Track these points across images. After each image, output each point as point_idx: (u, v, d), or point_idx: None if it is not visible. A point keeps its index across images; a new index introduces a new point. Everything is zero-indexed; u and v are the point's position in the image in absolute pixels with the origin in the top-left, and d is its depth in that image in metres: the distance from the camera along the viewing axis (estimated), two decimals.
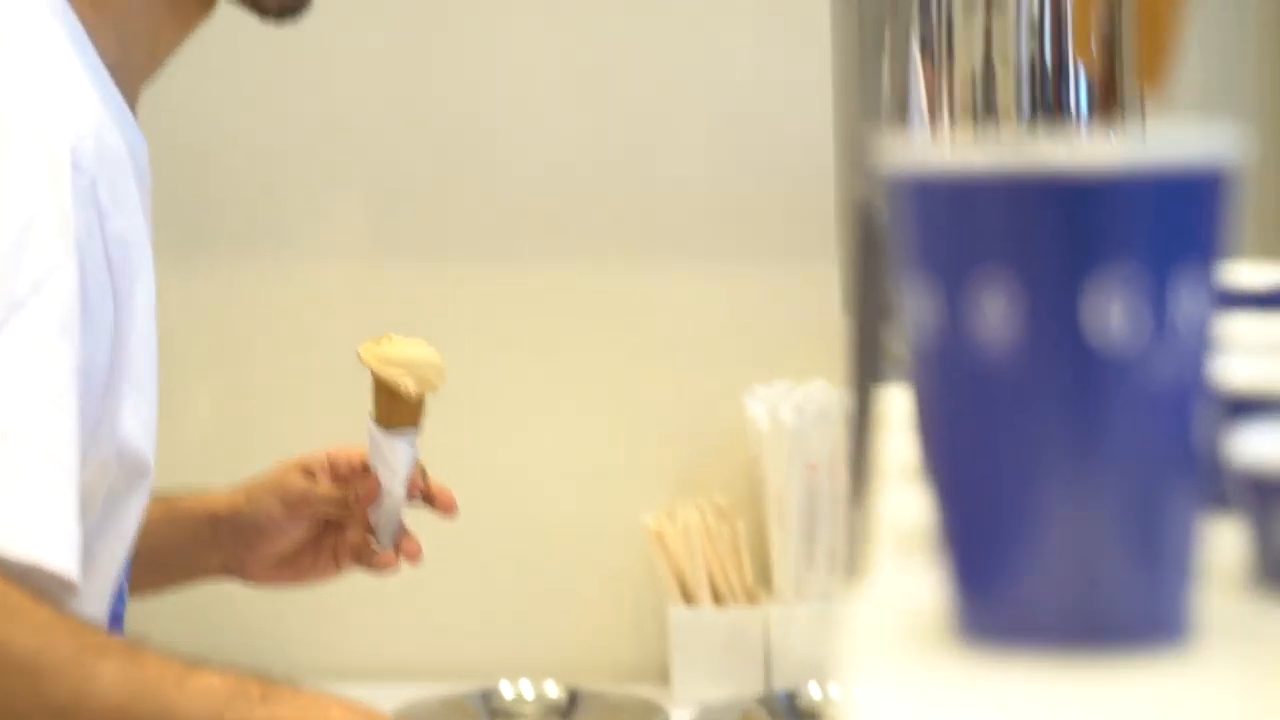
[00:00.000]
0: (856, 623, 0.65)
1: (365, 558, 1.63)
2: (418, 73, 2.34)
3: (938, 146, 0.61)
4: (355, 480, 1.61)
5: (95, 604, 1.33)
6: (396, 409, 1.58)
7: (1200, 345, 0.61)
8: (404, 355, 1.57)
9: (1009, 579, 0.62)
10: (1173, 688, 0.59)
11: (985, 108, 1.69)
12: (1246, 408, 0.77)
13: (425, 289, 2.30)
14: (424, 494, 1.62)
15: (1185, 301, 0.60)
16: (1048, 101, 1.67)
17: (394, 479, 1.59)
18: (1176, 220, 0.60)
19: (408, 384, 1.56)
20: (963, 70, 1.69)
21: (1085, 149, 0.59)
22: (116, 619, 1.42)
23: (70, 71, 1.29)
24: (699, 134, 2.23)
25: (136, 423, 1.32)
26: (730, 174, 2.22)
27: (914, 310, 0.62)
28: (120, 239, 1.27)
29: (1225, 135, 0.61)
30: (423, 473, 1.62)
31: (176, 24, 1.45)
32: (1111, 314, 0.59)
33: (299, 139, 2.36)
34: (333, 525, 1.64)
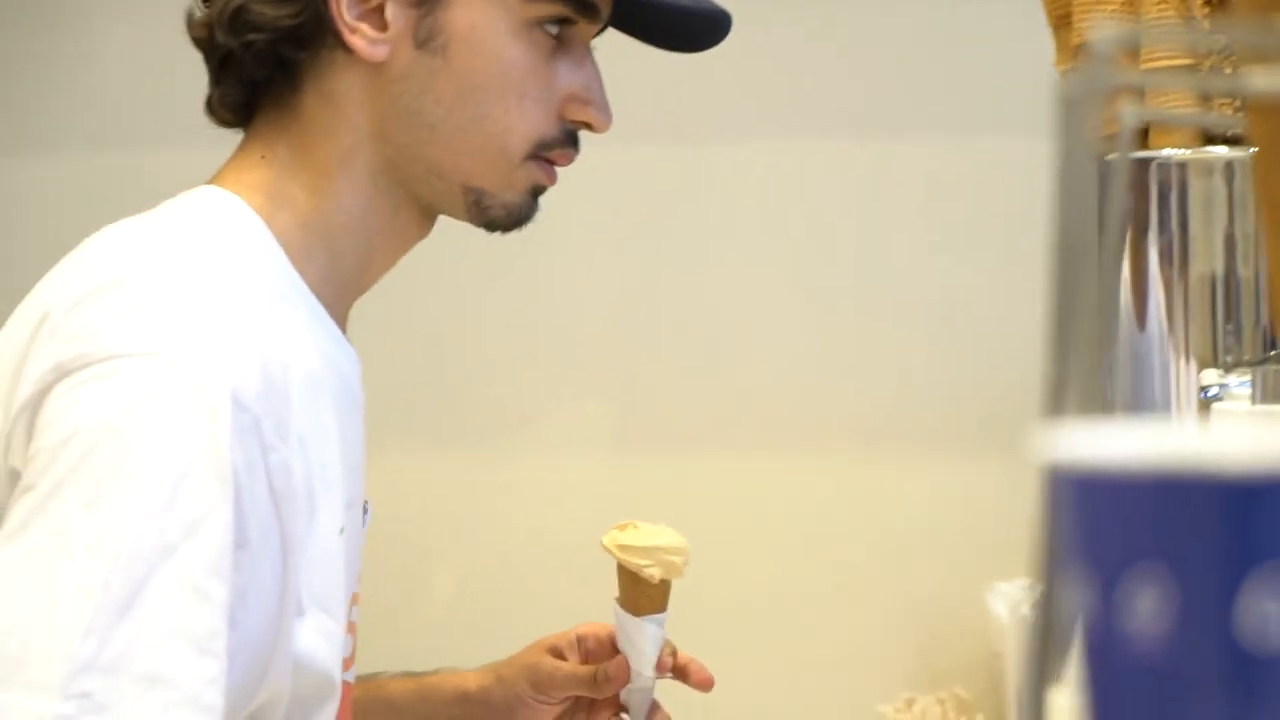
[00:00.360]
0: None
1: None
2: (649, 278, 2.38)
3: (1094, 439, 0.60)
4: (605, 657, 1.63)
5: None
6: (642, 595, 1.59)
7: None
8: (648, 543, 1.58)
9: None
10: None
11: (1226, 315, 1.66)
12: None
13: (664, 478, 2.32)
14: (675, 670, 1.63)
15: None
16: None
17: (643, 660, 1.61)
18: None
19: (652, 572, 1.57)
20: (1200, 276, 1.66)
21: (1239, 446, 0.58)
22: None
23: (241, 307, 1.31)
24: (920, 327, 2.24)
25: (320, 637, 1.33)
26: (956, 367, 2.22)
27: (1075, 600, 0.61)
28: (286, 469, 1.28)
29: None
30: (673, 651, 1.63)
31: (392, 243, 1.46)
32: (1268, 617, 0.57)
33: (548, 344, 2.41)
34: (584, 702, 1.66)
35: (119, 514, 1.19)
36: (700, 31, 1.50)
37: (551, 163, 1.45)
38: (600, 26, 1.47)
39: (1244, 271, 1.63)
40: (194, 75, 1.45)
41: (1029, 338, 2.02)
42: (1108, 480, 0.60)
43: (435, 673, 1.71)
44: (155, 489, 1.20)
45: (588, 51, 1.46)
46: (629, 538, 1.59)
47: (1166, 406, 1.60)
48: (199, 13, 1.43)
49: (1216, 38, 1.52)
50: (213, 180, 1.43)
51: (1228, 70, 1.58)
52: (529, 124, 1.42)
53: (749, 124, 2.42)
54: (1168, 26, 1.56)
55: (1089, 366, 0.70)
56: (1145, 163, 1.66)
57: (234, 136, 1.46)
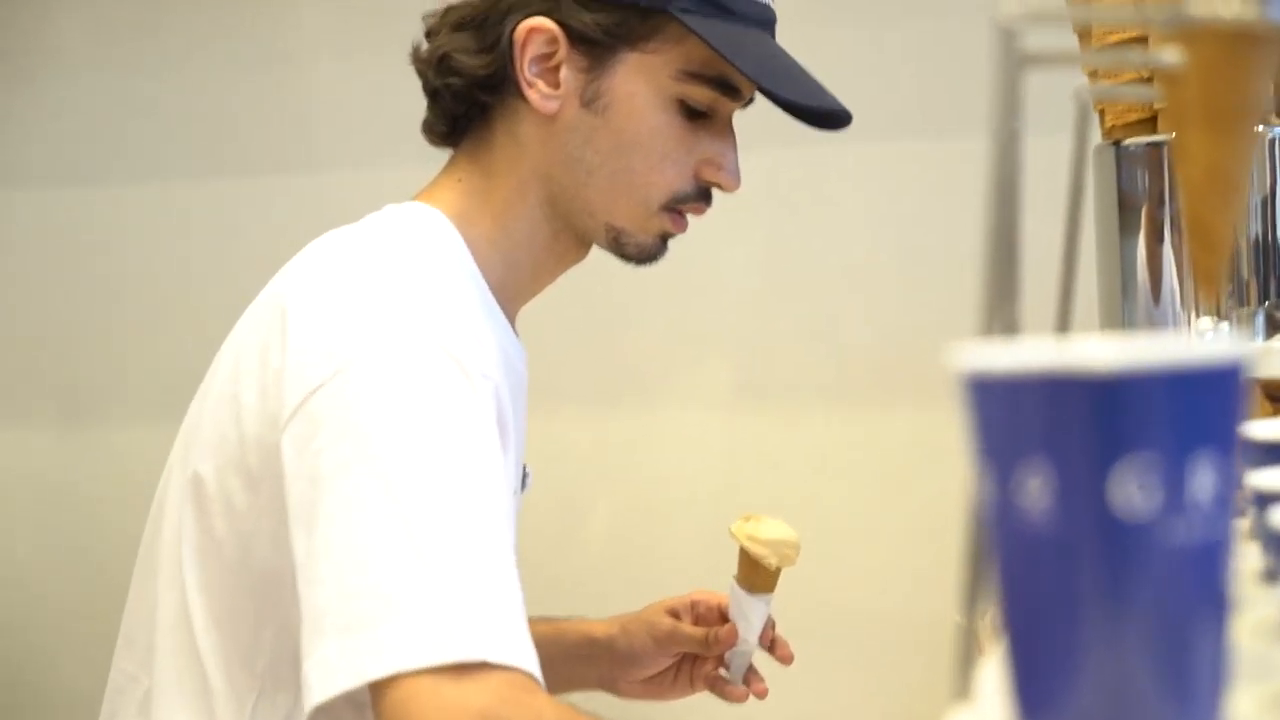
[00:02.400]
0: None
1: (718, 687, 1.72)
2: (765, 253, 2.41)
3: (995, 352, 0.63)
4: (713, 622, 1.68)
5: None
6: (759, 577, 1.65)
7: (1218, 513, 0.61)
8: (770, 536, 1.64)
9: (1056, 711, 0.63)
10: None
11: (1232, 282, 1.66)
12: None
13: (777, 432, 2.35)
14: (771, 644, 1.68)
15: (1202, 477, 0.61)
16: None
17: (750, 630, 1.67)
18: (1189, 411, 0.61)
19: (770, 561, 1.62)
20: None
21: (1108, 352, 0.60)
22: None
23: (455, 300, 1.36)
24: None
25: None
26: None
27: (980, 487, 0.64)
28: (506, 430, 1.34)
29: (1233, 337, 0.62)
30: (772, 625, 1.68)
31: (555, 261, 1.54)
32: (1133, 492, 0.60)
33: (675, 309, 2.44)
34: (691, 656, 1.71)
35: (431, 463, 1.22)
36: (827, 119, 1.53)
37: (682, 214, 1.51)
38: (744, 103, 1.53)
39: (1240, 237, 1.63)
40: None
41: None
42: (1002, 384, 0.63)
43: (568, 619, 1.76)
44: (449, 440, 1.24)
45: (729, 123, 1.53)
46: (754, 529, 1.64)
47: None
48: (422, 50, 1.52)
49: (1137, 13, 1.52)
50: (419, 196, 1.52)
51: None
52: (667, 180, 1.49)
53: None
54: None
55: (1007, 295, 0.72)
56: (1157, 146, 1.67)
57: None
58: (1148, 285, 1.67)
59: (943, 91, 2.42)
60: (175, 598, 1.38)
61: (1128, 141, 1.68)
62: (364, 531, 1.20)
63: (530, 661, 1.19)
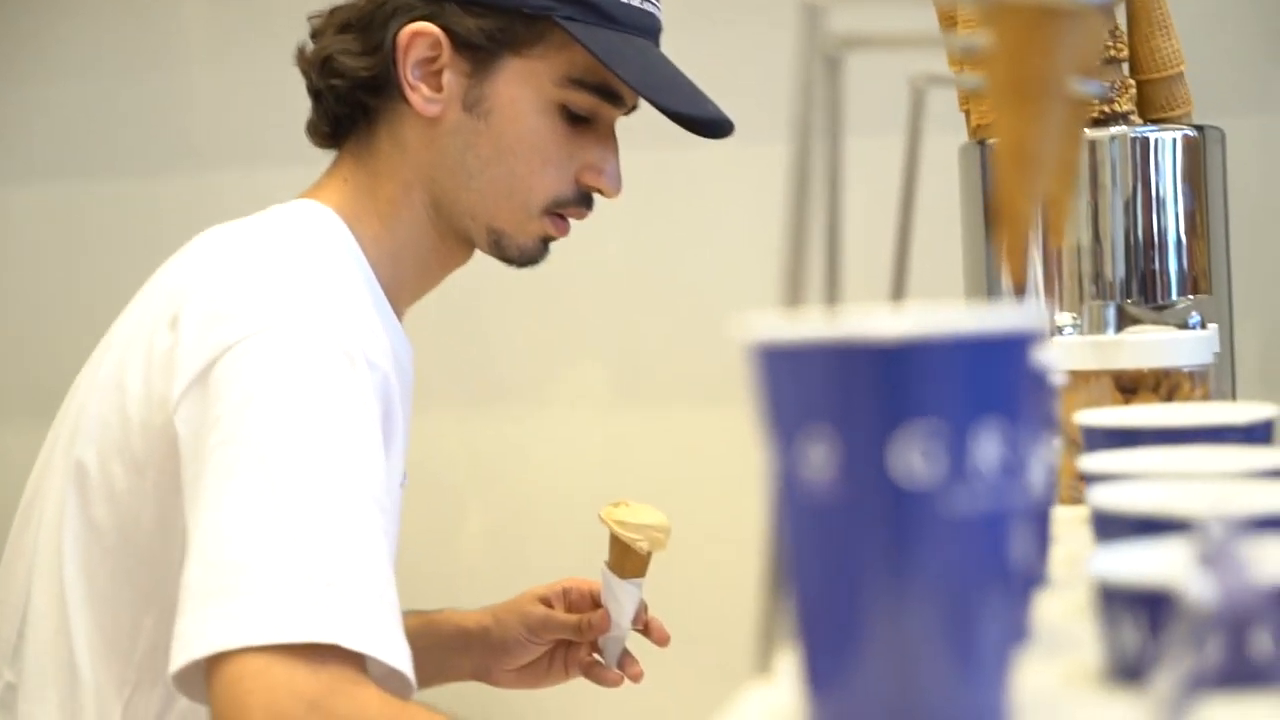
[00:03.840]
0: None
1: (593, 672, 1.71)
2: (641, 251, 2.41)
3: (782, 321, 0.62)
4: (586, 608, 1.67)
5: None
6: (629, 562, 1.64)
7: (1004, 482, 0.61)
8: (640, 521, 1.63)
9: (842, 682, 0.63)
10: None
11: (1094, 279, 1.67)
12: (1148, 527, 0.76)
13: (654, 431, 2.35)
14: (645, 626, 1.67)
15: (986, 445, 0.60)
16: (1142, 272, 1.65)
17: (622, 615, 1.66)
18: (972, 380, 0.60)
19: (641, 545, 1.62)
20: (1070, 247, 1.67)
21: (891, 324, 0.60)
22: None
23: (343, 290, 1.36)
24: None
25: None
26: None
27: (767, 456, 0.63)
28: (393, 419, 1.34)
29: (1016, 309, 0.61)
30: (645, 608, 1.67)
31: (440, 262, 1.53)
32: (915, 460, 0.60)
33: (557, 313, 2.44)
34: (564, 643, 1.70)
35: (307, 446, 1.22)
36: (709, 126, 1.54)
37: (564, 217, 1.51)
38: (629, 109, 1.53)
39: (1103, 239, 1.64)
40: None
41: None
42: (788, 353, 0.62)
43: (440, 611, 1.74)
44: (327, 425, 1.24)
45: (611, 129, 1.53)
46: (624, 514, 1.64)
47: None
48: (307, 51, 1.52)
49: None
50: (306, 194, 1.51)
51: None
52: (547, 185, 1.49)
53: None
54: None
55: (800, 268, 0.72)
56: None
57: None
58: (1013, 284, 1.67)
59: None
60: (50, 588, 1.37)
61: (993, 140, 1.69)
62: (232, 506, 1.19)
63: (388, 648, 1.18)
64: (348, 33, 1.48)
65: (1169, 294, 1.64)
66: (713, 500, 2.41)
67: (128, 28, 2.70)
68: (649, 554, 1.63)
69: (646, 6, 1.50)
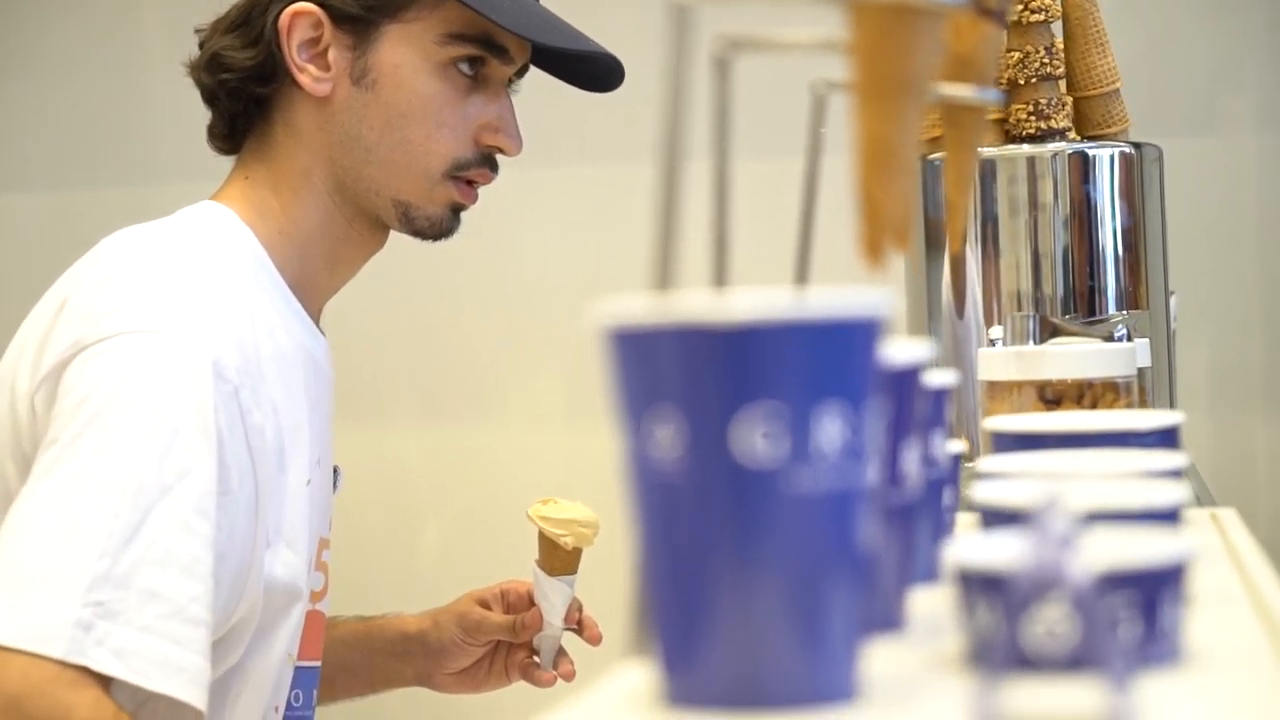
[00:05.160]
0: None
1: (530, 674, 1.70)
2: (594, 266, 2.42)
3: (634, 305, 0.63)
4: (524, 609, 1.68)
5: (254, 708, 1.40)
6: (558, 559, 1.64)
7: (848, 463, 0.62)
8: (565, 516, 1.63)
9: (691, 659, 0.64)
10: None
11: (1033, 295, 1.68)
12: (996, 518, 0.78)
13: (611, 444, 2.35)
14: (578, 624, 1.67)
15: (829, 427, 0.62)
16: (1079, 288, 1.67)
17: (553, 613, 1.65)
18: (814, 362, 0.62)
19: (567, 540, 1.62)
20: (1008, 263, 1.69)
21: (735, 306, 0.61)
22: None
23: (224, 296, 1.37)
24: None
25: (284, 566, 1.39)
26: None
27: (618, 438, 0.64)
28: (260, 430, 1.34)
29: (861, 295, 0.63)
30: (579, 607, 1.67)
31: (353, 250, 1.53)
32: (757, 440, 0.61)
33: (508, 329, 2.45)
34: (503, 646, 1.71)
35: (125, 460, 1.25)
36: (601, 76, 1.54)
37: (471, 182, 1.50)
38: (519, 67, 1.52)
39: (1043, 256, 1.66)
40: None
41: None
42: (636, 335, 0.64)
43: (381, 616, 1.75)
44: (154, 441, 1.26)
45: (503, 87, 1.52)
46: (550, 510, 1.64)
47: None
48: (195, 58, 1.52)
49: None
50: (212, 196, 1.51)
51: None
52: (445, 147, 1.48)
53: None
54: None
55: (666, 253, 0.73)
56: None
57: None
58: (951, 299, 1.69)
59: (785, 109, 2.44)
60: None
61: (930, 156, 1.71)
62: (35, 504, 1.24)
63: (140, 671, 1.22)
64: (231, 32, 1.48)
65: (1106, 309, 1.66)
66: None
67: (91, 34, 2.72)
68: (577, 550, 1.63)
69: None
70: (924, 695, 0.67)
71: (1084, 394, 1.39)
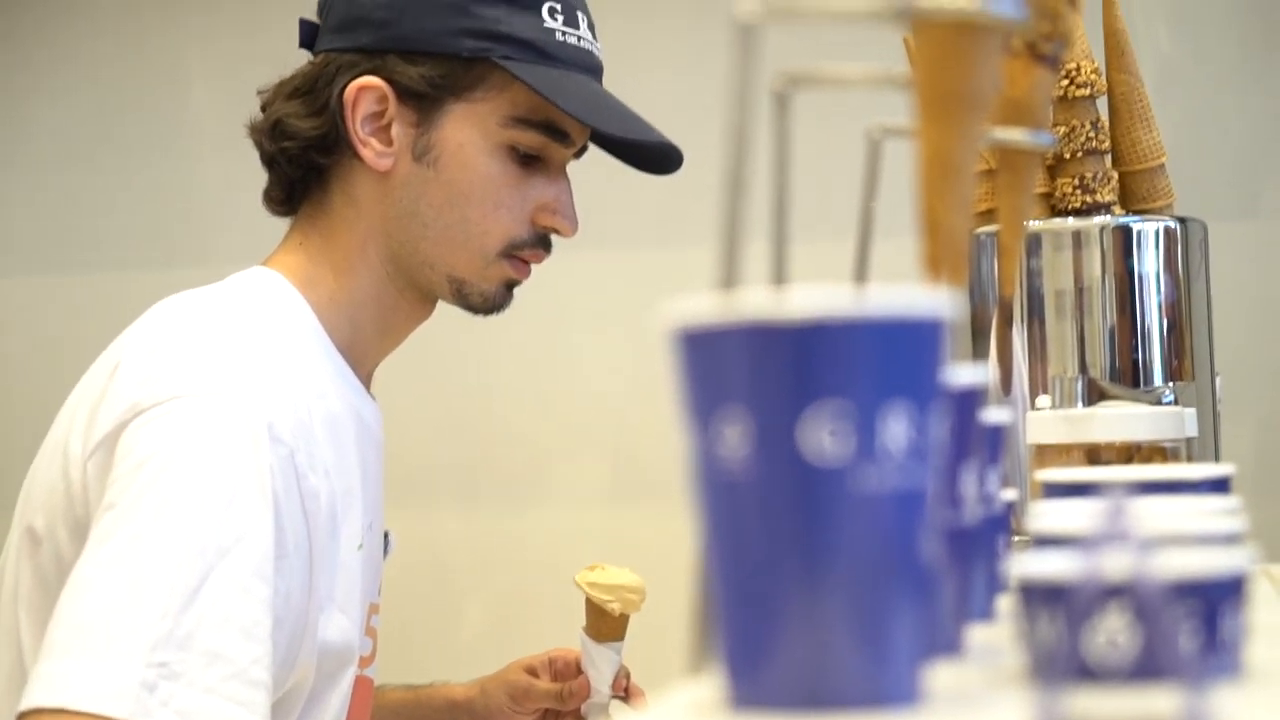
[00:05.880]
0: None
1: None
2: (640, 357, 2.44)
3: (701, 305, 0.64)
4: (571, 677, 1.68)
5: None
6: (605, 625, 1.63)
7: (913, 463, 0.62)
8: (612, 582, 1.62)
9: (758, 659, 0.64)
10: None
11: (1080, 370, 1.68)
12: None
13: (652, 525, 2.36)
14: (625, 691, 1.67)
15: (894, 427, 0.62)
16: (1124, 362, 1.66)
17: (601, 680, 1.65)
18: (881, 361, 0.62)
19: (614, 607, 1.61)
20: (1054, 335, 1.68)
21: (802, 299, 0.61)
22: None
23: (278, 361, 1.38)
24: None
25: (337, 630, 1.39)
26: None
27: (686, 439, 0.65)
28: (315, 493, 1.34)
29: (929, 295, 0.63)
30: (627, 674, 1.67)
31: (403, 319, 1.54)
32: (825, 438, 0.61)
33: (559, 407, 2.46)
34: (551, 714, 1.71)
35: (183, 523, 1.25)
36: (658, 161, 1.56)
37: (525, 261, 1.50)
38: (578, 149, 1.54)
39: (1088, 330, 1.66)
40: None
41: None
42: (704, 335, 0.64)
43: (429, 685, 1.76)
44: (212, 504, 1.27)
45: (562, 169, 1.54)
46: (597, 576, 1.64)
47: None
48: (257, 120, 1.53)
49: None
50: (264, 262, 1.52)
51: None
52: (503, 228, 1.50)
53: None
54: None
55: (731, 255, 0.73)
56: None
57: None
58: (997, 374, 1.69)
59: (817, 191, 2.46)
60: (11, 657, 1.38)
61: (976, 230, 1.71)
62: (97, 569, 1.24)
63: None
64: (295, 98, 1.50)
65: (1151, 383, 1.66)
66: None
67: (132, 117, 2.75)
68: (624, 616, 1.63)
69: (584, 45, 1.52)
70: (986, 702, 0.67)
71: (1132, 458, 1.39)
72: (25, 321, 2.79)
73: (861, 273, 0.99)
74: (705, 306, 0.64)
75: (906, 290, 0.64)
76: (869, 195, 0.97)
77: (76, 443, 1.35)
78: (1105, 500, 0.66)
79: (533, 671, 1.73)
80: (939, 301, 0.64)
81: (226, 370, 1.34)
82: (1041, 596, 0.68)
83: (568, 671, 1.71)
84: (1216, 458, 1.71)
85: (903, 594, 0.63)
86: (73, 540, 1.33)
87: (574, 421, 2.53)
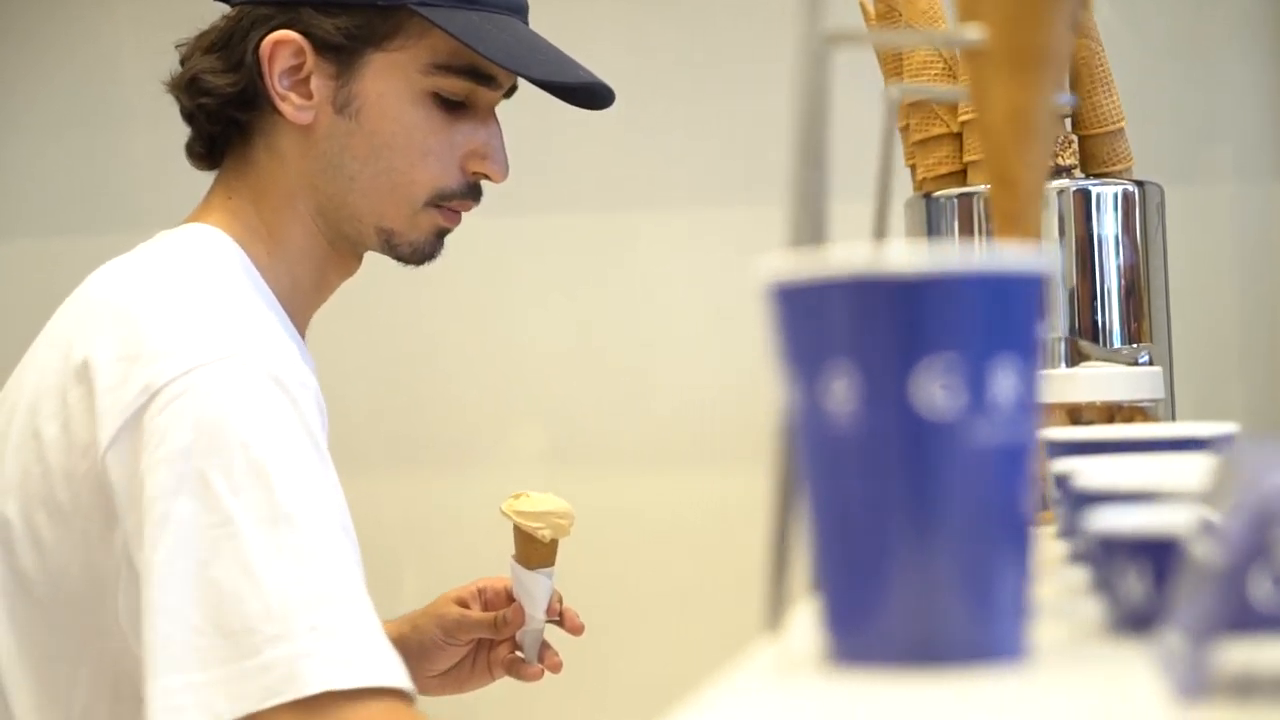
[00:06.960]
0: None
1: (515, 669, 1.70)
2: (581, 323, 2.42)
3: (798, 261, 0.63)
4: (501, 606, 1.67)
5: None
6: (536, 551, 1.63)
7: (1019, 417, 0.62)
8: (539, 509, 1.62)
9: (864, 613, 0.63)
10: (994, 694, 0.60)
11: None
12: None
13: (592, 494, 2.35)
14: (559, 615, 1.66)
15: (1003, 380, 0.62)
16: (1084, 322, 1.68)
17: (535, 607, 1.65)
18: (990, 315, 0.62)
19: (544, 533, 1.61)
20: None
21: (906, 258, 0.61)
22: None
23: (254, 314, 1.35)
24: None
25: None
26: None
27: (787, 394, 0.64)
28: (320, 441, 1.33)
29: (1032, 252, 0.63)
30: (559, 599, 1.67)
31: (334, 271, 1.51)
32: (936, 391, 0.61)
33: (497, 375, 2.44)
34: (485, 643, 1.69)
35: (303, 485, 1.22)
36: (588, 98, 1.54)
37: (455, 210, 1.49)
38: (507, 90, 1.51)
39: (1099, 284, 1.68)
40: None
41: None
42: (809, 289, 0.63)
43: None
44: (305, 458, 1.24)
45: (491, 113, 1.51)
46: (523, 504, 1.63)
47: None
48: (175, 75, 1.50)
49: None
50: (192, 218, 1.48)
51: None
52: (430, 176, 1.47)
53: (672, 193, 2.48)
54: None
55: (814, 216, 0.73)
56: (968, 197, 1.70)
57: None
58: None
59: (751, 160, 2.46)
60: None
61: (938, 194, 1.72)
62: (200, 560, 1.19)
63: (400, 675, 1.20)
64: (212, 52, 1.47)
65: (1112, 344, 1.67)
66: (652, 564, 2.41)
67: (71, 86, 2.70)
68: (554, 541, 1.62)
69: None
70: (1093, 657, 0.67)
71: (1113, 418, 1.40)
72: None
73: (880, 230, 0.99)
74: (809, 262, 0.64)
75: (1009, 247, 0.64)
76: (886, 154, 0.97)
77: (52, 427, 1.30)
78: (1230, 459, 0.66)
79: (463, 603, 1.70)
80: (1043, 257, 0.64)
81: (223, 328, 1.30)
82: (1128, 552, 0.68)
83: (498, 601, 1.69)
84: (1173, 417, 1.73)
85: (1009, 548, 0.63)
86: (54, 524, 1.30)
87: (512, 387, 2.52)
